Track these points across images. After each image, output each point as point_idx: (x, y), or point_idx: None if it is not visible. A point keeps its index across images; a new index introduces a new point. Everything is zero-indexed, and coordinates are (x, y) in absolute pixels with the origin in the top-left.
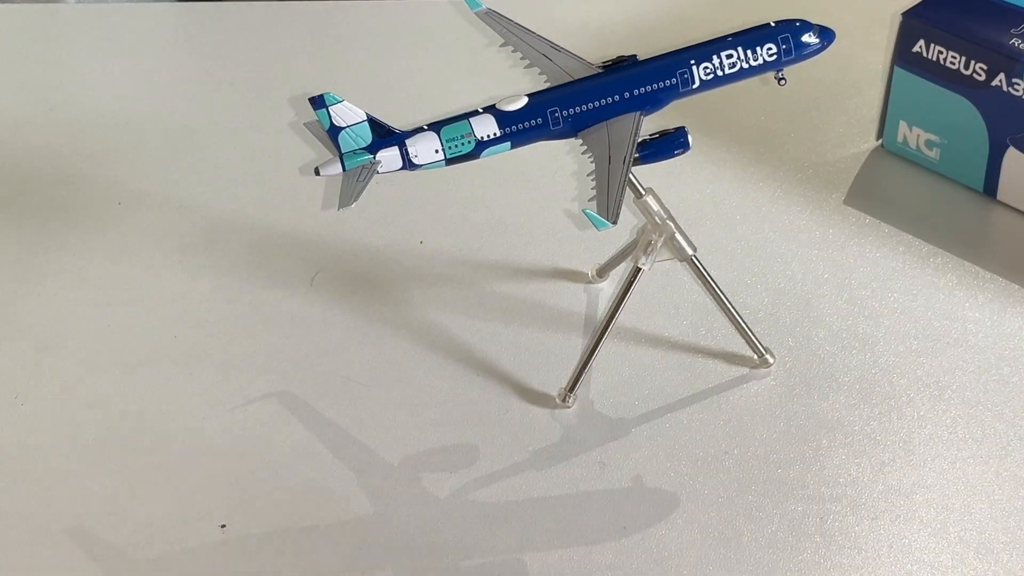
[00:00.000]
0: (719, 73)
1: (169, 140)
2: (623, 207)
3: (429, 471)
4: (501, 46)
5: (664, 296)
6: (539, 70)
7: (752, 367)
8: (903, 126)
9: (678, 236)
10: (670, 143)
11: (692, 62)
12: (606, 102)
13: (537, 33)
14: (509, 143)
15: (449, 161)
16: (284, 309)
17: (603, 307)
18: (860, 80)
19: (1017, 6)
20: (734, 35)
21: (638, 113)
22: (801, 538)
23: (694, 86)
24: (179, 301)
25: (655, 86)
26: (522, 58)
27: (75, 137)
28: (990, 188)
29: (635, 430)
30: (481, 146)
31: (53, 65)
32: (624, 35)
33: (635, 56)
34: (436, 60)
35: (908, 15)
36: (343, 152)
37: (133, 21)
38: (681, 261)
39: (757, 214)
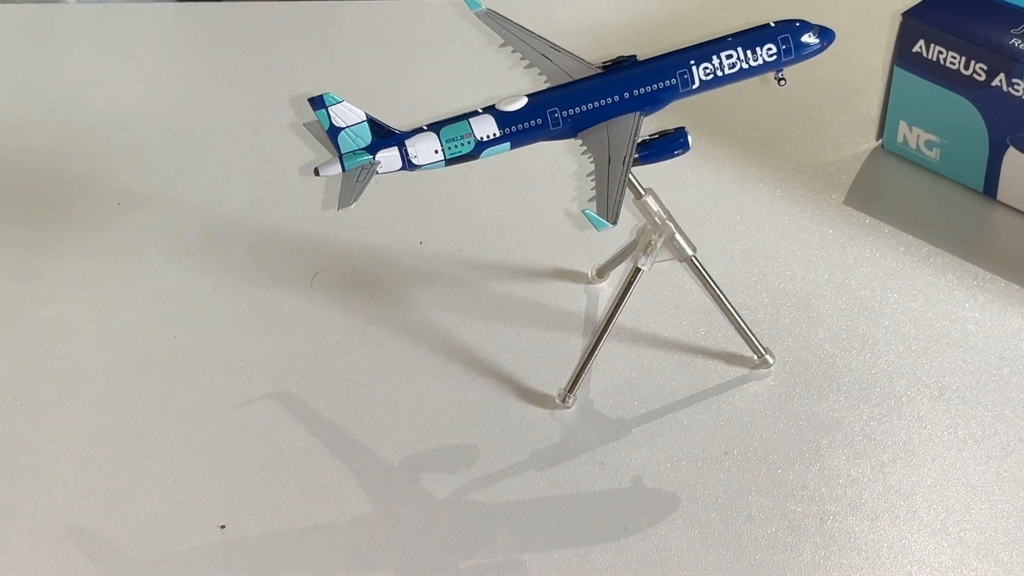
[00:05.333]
0: (719, 73)
1: (169, 140)
2: (623, 207)
3: (429, 471)
4: (501, 46)
5: (664, 296)
6: (539, 70)
7: (752, 367)
8: (903, 126)
9: (678, 236)
10: (670, 143)
11: (692, 62)
12: (606, 102)
13: (537, 33)
14: (509, 143)
15: (449, 161)
16: (284, 309)
17: (603, 307)
18: (860, 80)
19: (1017, 6)
20: (734, 35)
21: (638, 113)
22: (801, 538)
23: (694, 86)
24: (179, 301)
25: (655, 86)
26: (522, 58)
27: (75, 137)
28: (990, 188)
29: (635, 430)
30: (481, 146)
31: (53, 65)
32: (624, 35)
33: (635, 56)
34: (436, 60)
35: (908, 15)
36: (343, 152)
37: (133, 21)
38: (681, 261)
39: (757, 214)
